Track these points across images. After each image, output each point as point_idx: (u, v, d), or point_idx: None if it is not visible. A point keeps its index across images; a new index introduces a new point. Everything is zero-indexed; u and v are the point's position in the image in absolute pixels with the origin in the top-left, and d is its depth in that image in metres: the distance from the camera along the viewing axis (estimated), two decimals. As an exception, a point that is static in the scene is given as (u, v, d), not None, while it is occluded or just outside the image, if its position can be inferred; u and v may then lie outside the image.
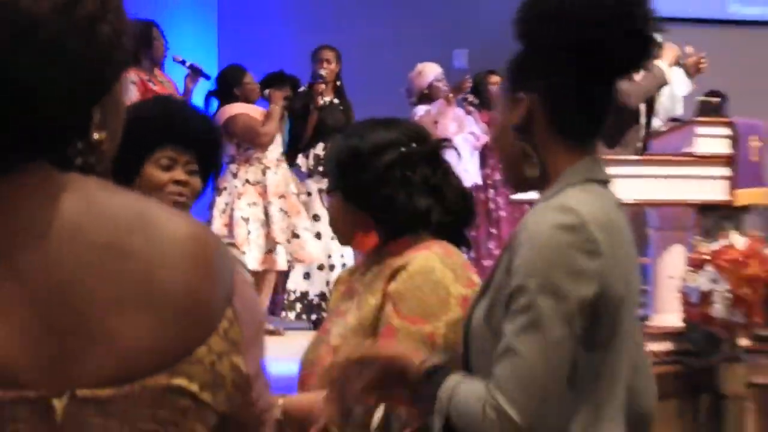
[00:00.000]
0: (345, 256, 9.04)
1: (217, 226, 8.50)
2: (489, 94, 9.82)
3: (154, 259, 1.36)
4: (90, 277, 1.32)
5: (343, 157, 3.09)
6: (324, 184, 8.64)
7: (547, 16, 2.41)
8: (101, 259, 1.33)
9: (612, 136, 7.81)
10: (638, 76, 7.97)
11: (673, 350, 6.99)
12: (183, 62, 9.26)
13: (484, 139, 9.29)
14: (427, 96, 9.26)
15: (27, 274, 1.31)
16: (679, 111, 8.41)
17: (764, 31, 13.39)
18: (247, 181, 8.78)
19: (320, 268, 9.10)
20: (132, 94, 8.17)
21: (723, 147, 7.17)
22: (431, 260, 2.92)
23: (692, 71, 8.35)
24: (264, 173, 8.81)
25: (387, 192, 2.99)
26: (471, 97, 9.73)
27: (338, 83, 9.59)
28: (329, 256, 9.09)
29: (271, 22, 12.60)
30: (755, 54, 12.41)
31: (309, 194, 9.14)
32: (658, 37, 7.39)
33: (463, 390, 2.34)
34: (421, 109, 9.11)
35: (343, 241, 3.29)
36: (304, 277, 9.04)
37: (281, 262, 8.77)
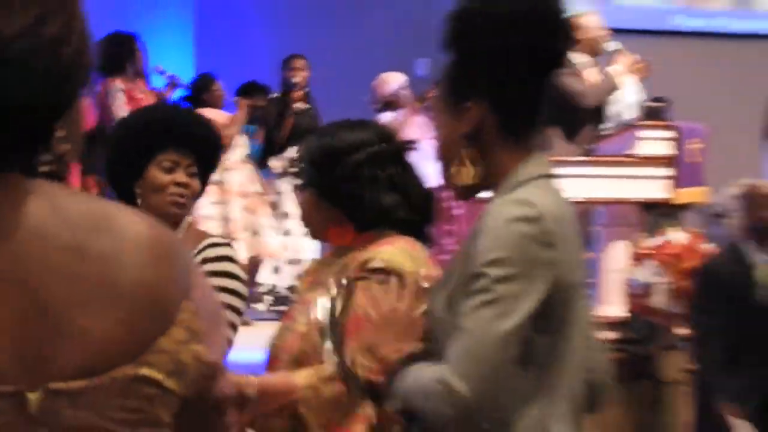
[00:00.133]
0: (314, 251, 9.03)
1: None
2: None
3: (115, 258, 1.38)
4: (56, 278, 1.34)
5: (316, 156, 3.11)
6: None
7: (481, 25, 2.38)
8: (66, 260, 1.35)
9: (571, 131, 7.83)
10: (593, 80, 8.02)
11: (616, 339, 7.01)
12: (163, 73, 9.28)
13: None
14: (391, 103, 9.25)
15: None
16: (630, 116, 8.42)
17: (706, 42, 13.43)
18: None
19: (290, 263, 9.09)
20: (120, 101, 8.18)
21: (665, 149, 7.20)
22: (395, 254, 2.94)
23: (639, 76, 8.38)
24: (226, 173, 8.78)
25: (356, 189, 3.01)
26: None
27: (307, 90, 9.60)
28: (298, 251, 9.07)
29: (246, 33, 12.60)
30: (698, 63, 12.45)
31: (280, 193, 9.12)
32: (612, 45, 7.40)
33: (414, 373, 2.35)
34: (386, 116, 9.10)
35: (314, 234, 3.29)
36: (274, 271, 9.03)
37: (240, 257, 8.79)
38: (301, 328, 3.01)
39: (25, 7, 1.34)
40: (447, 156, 2.48)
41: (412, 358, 2.41)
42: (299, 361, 2.96)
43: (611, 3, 13.02)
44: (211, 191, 8.69)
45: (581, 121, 7.87)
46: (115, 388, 1.35)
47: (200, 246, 3.37)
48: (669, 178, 7.20)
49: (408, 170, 3.12)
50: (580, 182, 6.63)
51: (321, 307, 2.97)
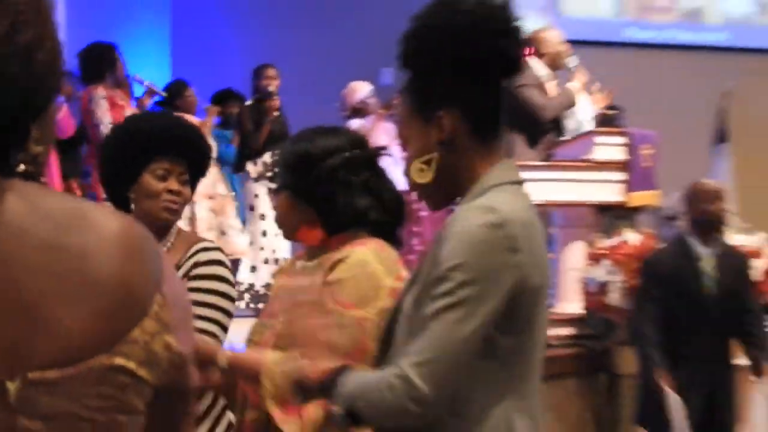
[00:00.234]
0: (289, 251, 9.01)
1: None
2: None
3: (90, 253, 1.38)
4: (33, 273, 1.35)
5: (292, 160, 3.09)
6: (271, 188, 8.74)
7: (444, 37, 2.36)
8: (43, 256, 1.36)
9: (533, 138, 7.85)
10: (552, 94, 8.03)
11: (574, 334, 7.03)
12: (141, 82, 9.25)
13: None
14: (359, 111, 9.24)
15: None
16: (587, 129, 8.43)
17: (655, 53, 13.51)
18: None
19: (266, 262, 9.06)
20: (103, 108, 8.14)
21: (618, 154, 7.22)
22: (367, 255, 2.94)
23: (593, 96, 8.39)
24: None
25: (331, 192, 3.00)
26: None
27: (278, 97, 9.61)
28: (274, 251, 9.05)
29: (219, 42, 12.59)
30: (649, 73, 12.51)
31: (256, 196, 9.09)
32: (573, 61, 7.40)
33: (363, 376, 2.37)
34: (355, 123, 9.08)
35: (288, 235, 3.25)
36: (251, 270, 8.99)
37: None
38: (277, 325, 3.01)
39: (0, 17, 1.35)
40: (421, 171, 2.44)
41: (344, 371, 2.42)
42: None
43: (561, 15, 13.09)
44: None
45: (543, 130, 7.88)
46: (90, 377, 1.35)
47: (192, 250, 3.34)
48: (623, 182, 7.22)
49: (380, 174, 3.11)
50: (539, 186, 6.62)
51: None
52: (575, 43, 8.65)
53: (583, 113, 8.17)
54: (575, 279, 7.11)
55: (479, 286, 2.22)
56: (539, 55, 8.27)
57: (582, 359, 6.93)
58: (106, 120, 8.12)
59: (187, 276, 3.26)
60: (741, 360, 6.26)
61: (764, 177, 11.87)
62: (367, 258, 2.93)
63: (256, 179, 9.03)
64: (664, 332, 5.56)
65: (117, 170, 3.34)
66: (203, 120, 9.03)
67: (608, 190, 7.21)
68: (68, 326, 1.34)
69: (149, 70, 10.10)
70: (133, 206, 3.30)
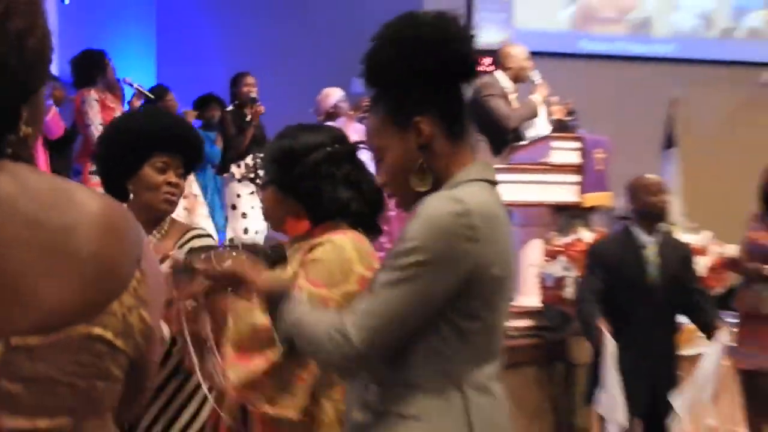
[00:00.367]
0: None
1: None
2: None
3: (74, 230, 1.40)
4: (18, 246, 1.36)
5: (278, 155, 3.11)
6: (252, 189, 8.83)
7: (414, 49, 2.38)
8: (28, 231, 1.37)
9: (497, 146, 7.86)
10: (516, 105, 8.05)
11: (532, 326, 7.05)
12: (131, 84, 9.27)
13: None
14: (332, 114, 9.24)
15: None
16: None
17: (607, 63, 13.56)
18: None
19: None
20: (95, 109, 8.16)
21: (573, 158, 7.23)
22: (345, 242, 2.97)
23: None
24: None
25: (315, 185, 3.03)
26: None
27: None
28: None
29: (202, 49, 12.59)
30: (601, 82, 12.56)
31: (238, 196, 9.07)
32: (535, 76, 7.37)
33: (317, 313, 2.40)
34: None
35: (275, 227, 3.27)
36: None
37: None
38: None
39: None
40: (404, 170, 2.44)
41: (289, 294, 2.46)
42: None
43: (518, 28, 13.12)
44: None
45: (506, 139, 7.90)
46: (70, 344, 1.38)
47: (186, 236, 3.40)
48: (577, 184, 7.24)
49: (360, 167, 3.14)
50: (500, 187, 6.61)
51: None
52: (534, 54, 8.65)
53: (542, 124, 8.18)
54: (533, 274, 7.12)
55: (431, 268, 2.24)
56: (504, 68, 8.28)
57: (540, 349, 6.94)
58: (96, 121, 8.11)
59: None
60: (685, 351, 6.30)
61: (709, 179, 11.93)
62: (345, 245, 2.96)
63: (240, 180, 9.02)
64: (608, 320, 5.56)
65: (118, 161, 3.36)
66: None
67: (564, 191, 7.22)
68: (50, 296, 1.36)
69: (136, 74, 10.09)
70: (132, 196, 3.33)
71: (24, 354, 1.35)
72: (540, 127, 8.10)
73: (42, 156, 7.87)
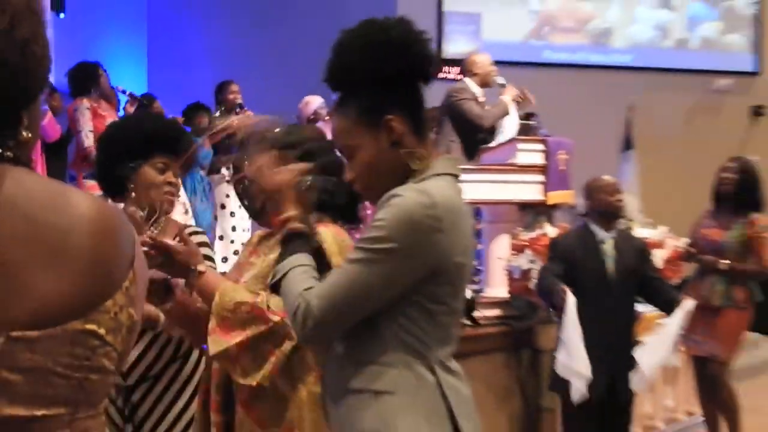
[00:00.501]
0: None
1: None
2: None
3: (69, 231, 1.39)
4: (18, 245, 1.36)
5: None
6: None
7: (383, 53, 2.39)
8: (28, 231, 1.37)
9: (471, 147, 7.89)
10: (488, 106, 8.09)
11: (501, 315, 7.04)
12: (124, 92, 9.26)
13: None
14: (313, 120, 9.25)
15: None
16: (514, 135, 8.48)
17: (570, 72, 13.60)
18: None
19: (235, 253, 9.03)
20: (86, 117, 8.15)
21: (538, 159, 7.24)
22: (326, 234, 2.94)
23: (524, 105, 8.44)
24: None
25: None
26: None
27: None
28: (242, 244, 9.04)
29: (191, 59, 12.57)
30: (564, 89, 12.59)
31: (227, 196, 9.08)
32: (500, 79, 7.39)
33: (302, 274, 2.41)
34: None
35: (263, 222, 3.25)
36: (222, 261, 8.95)
37: None
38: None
39: (1, 12, 1.38)
40: (376, 166, 2.46)
41: (299, 239, 2.51)
42: None
43: (486, 40, 13.15)
44: None
45: (479, 140, 7.93)
46: (65, 338, 1.37)
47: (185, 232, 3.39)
48: (541, 183, 7.25)
49: (340, 162, 3.13)
50: (469, 186, 6.61)
51: (258, 270, 3.03)
52: (499, 63, 8.69)
53: (510, 124, 8.22)
54: (501, 267, 7.13)
55: (398, 255, 2.27)
56: (472, 75, 8.33)
57: (508, 336, 6.94)
58: (87, 128, 8.09)
59: None
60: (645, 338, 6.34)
61: (664, 179, 12.00)
62: (326, 237, 2.93)
63: (229, 181, 9.03)
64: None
65: (121, 160, 3.36)
66: None
67: (529, 190, 7.22)
68: (49, 294, 1.36)
69: (128, 82, 10.11)
70: (133, 195, 3.34)
71: (23, 345, 1.34)
72: (509, 129, 8.13)
73: (39, 159, 7.86)
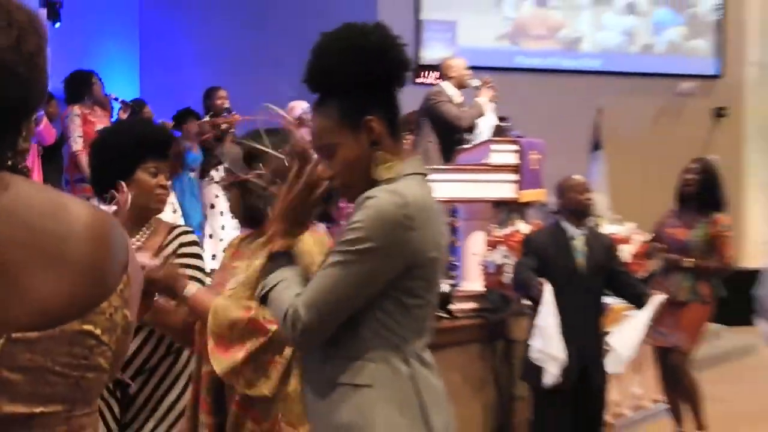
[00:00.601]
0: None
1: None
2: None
3: (67, 238, 1.40)
4: (18, 251, 1.36)
5: (237, 159, 3.09)
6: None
7: (362, 58, 2.39)
8: (27, 238, 1.37)
9: (448, 148, 7.91)
10: (465, 108, 8.11)
11: (476, 308, 7.05)
12: (116, 99, 9.25)
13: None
14: (297, 124, 9.24)
15: None
16: (489, 136, 8.48)
17: (542, 76, 13.64)
18: None
19: (224, 251, 9.04)
20: (75, 123, 8.15)
21: (511, 159, 7.25)
22: (305, 236, 2.90)
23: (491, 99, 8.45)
24: None
25: (274, 182, 3.00)
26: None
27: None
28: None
29: (181, 67, 12.55)
30: (536, 92, 12.63)
31: (217, 196, 9.08)
32: (474, 82, 7.38)
33: (286, 286, 2.40)
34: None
35: (240, 222, 3.25)
36: (212, 258, 8.94)
37: None
38: (227, 292, 3.02)
39: (9, 27, 1.39)
40: (356, 164, 2.45)
41: (282, 257, 2.49)
42: None
43: (458, 45, 13.17)
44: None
45: (457, 140, 7.95)
46: (63, 338, 1.38)
47: (174, 233, 3.45)
48: (515, 182, 7.25)
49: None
50: (446, 185, 6.66)
51: (245, 275, 3.00)
52: (474, 68, 8.71)
53: (488, 121, 8.24)
54: (477, 262, 7.15)
55: (376, 254, 2.28)
56: (448, 78, 8.35)
57: (483, 328, 6.95)
58: (75, 134, 8.10)
59: (175, 252, 3.36)
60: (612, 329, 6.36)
61: (631, 177, 12.06)
62: (305, 238, 2.91)
63: (218, 182, 9.03)
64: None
65: (114, 165, 3.35)
66: None
67: (503, 188, 7.22)
68: (47, 297, 1.37)
69: (121, 89, 10.10)
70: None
71: (23, 346, 1.35)
72: (485, 129, 8.15)
73: (36, 163, 7.84)
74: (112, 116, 8.95)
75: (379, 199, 2.31)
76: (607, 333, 5.81)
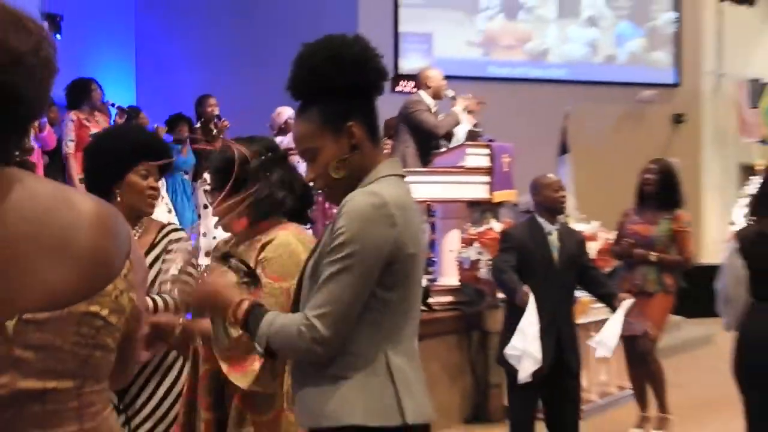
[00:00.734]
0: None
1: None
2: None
3: (73, 228, 1.44)
4: (26, 240, 1.40)
5: (222, 165, 3.06)
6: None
7: (345, 66, 2.39)
8: (34, 228, 1.41)
9: (425, 153, 7.91)
10: (442, 116, 8.10)
11: (453, 301, 7.07)
12: (113, 105, 9.19)
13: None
14: (284, 129, 9.21)
15: None
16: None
17: (512, 85, 13.67)
18: None
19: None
20: (69, 128, 8.14)
21: (484, 162, 7.27)
22: (289, 237, 2.94)
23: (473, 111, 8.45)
24: None
25: (254, 188, 2.99)
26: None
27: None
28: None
29: (175, 75, 12.54)
30: (507, 100, 12.63)
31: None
32: (450, 92, 7.33)
33: (281, 319, 2.38)
34: (280, 139, 9.05)
35: (223, 226, 3.20)
36: (206, 255, 8.92)
37: None
38: None
39: (29, 34, 1.43)
40: (343, 169, 2.43)
41: (261, 308, 2.45)
42: None
43: (434, 56, 13.20)
44: None
45: (434, 146, 7.96)
46: (71, 319, 1.42)
47: (164, 231, 3.43)
48: (487, 183, 7.27)
49: (291, 170, 3.11)
50: (423, 186, 6.67)
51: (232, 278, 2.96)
52: (449, 78, 8.70)
53: (464, 128, 8.25)
54: (453, 258, 7.16)
55: (363, 255, 2.28)
56: (425, 87, 8.32)
57: (459, 320, 6.97)
58: (68, 138, 8.08)
59: (165, 250, 3.36)
60: (581, 320, 6.38)
61: (596, 179, 12.09)
62: (289, 239, 2.94)
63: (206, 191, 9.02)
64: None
65: (108, 168, 3.33)
66: None
67: (477, 189, 7.26)
68: (55, 281, 1.41)
69: (118, 95, 10.07)
70: (119, 199, 3.30)
71: (33, 326, 1.39)
72: (461, 136, 8.16)
73: (40, 162, 7.82)
74: (110, 122, 8.91)
75: (357, 201, 2.31)
76: (576, 324, 5.81)
